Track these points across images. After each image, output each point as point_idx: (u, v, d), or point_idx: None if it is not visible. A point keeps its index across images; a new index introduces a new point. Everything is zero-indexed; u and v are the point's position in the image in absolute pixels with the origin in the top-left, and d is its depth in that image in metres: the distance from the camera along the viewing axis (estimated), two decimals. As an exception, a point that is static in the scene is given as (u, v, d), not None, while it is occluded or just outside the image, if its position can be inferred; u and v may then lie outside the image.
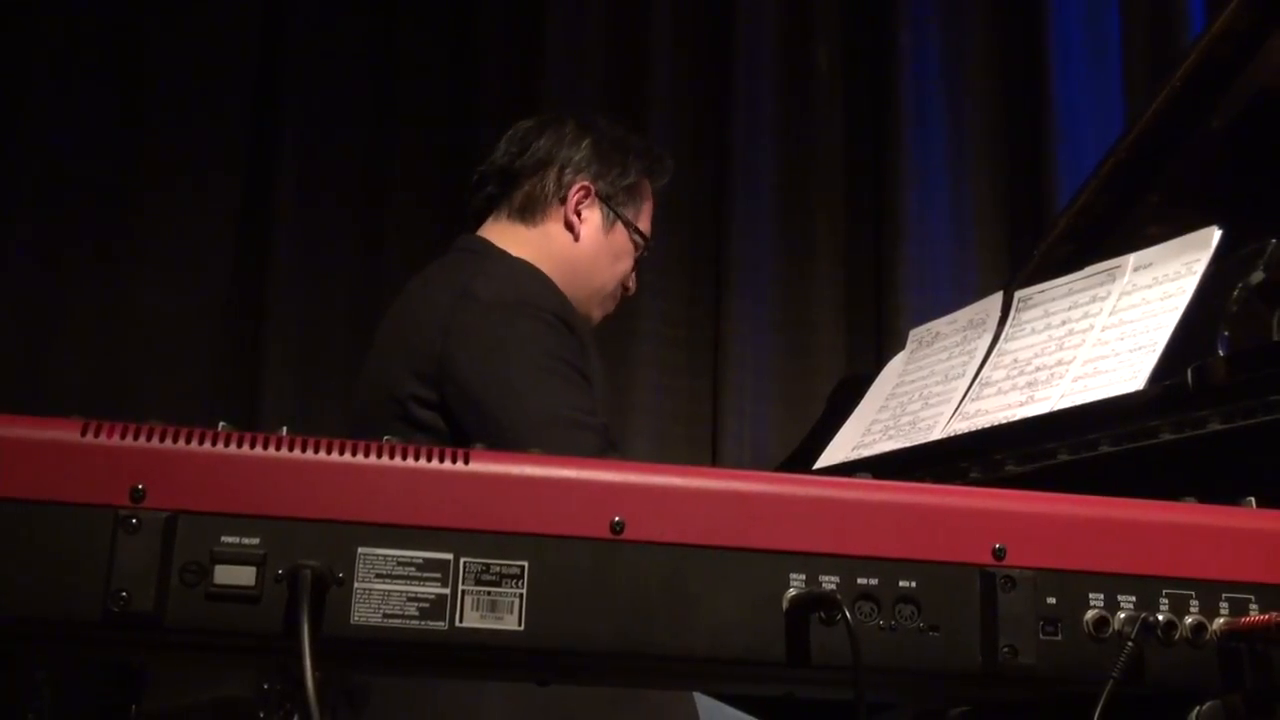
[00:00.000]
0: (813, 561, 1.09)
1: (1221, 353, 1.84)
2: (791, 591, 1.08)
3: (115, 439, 1.02)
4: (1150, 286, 2.03)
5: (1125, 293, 2.07)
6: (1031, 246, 2.77)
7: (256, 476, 1.03)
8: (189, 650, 1.08)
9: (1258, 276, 1.92)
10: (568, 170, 2.39)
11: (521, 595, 1.04)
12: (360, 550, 1.03)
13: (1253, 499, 1.22)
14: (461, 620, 1.03)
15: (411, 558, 1.03)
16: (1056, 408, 1.99)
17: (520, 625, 1.03)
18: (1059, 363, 2.08)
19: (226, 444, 1.04)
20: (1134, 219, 2.53)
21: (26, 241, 4.01)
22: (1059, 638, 1.11)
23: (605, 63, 4.38)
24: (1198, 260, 1.98)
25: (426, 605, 1.02)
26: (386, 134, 4.29)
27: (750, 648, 1.07)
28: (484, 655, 1.04)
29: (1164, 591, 1.14)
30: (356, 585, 1.02)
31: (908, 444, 2.23)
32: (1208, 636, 1.13)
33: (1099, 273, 2.15)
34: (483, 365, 2.10)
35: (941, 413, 2.24)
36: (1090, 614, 1.12)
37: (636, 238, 2.45)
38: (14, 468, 1.00)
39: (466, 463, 1.07)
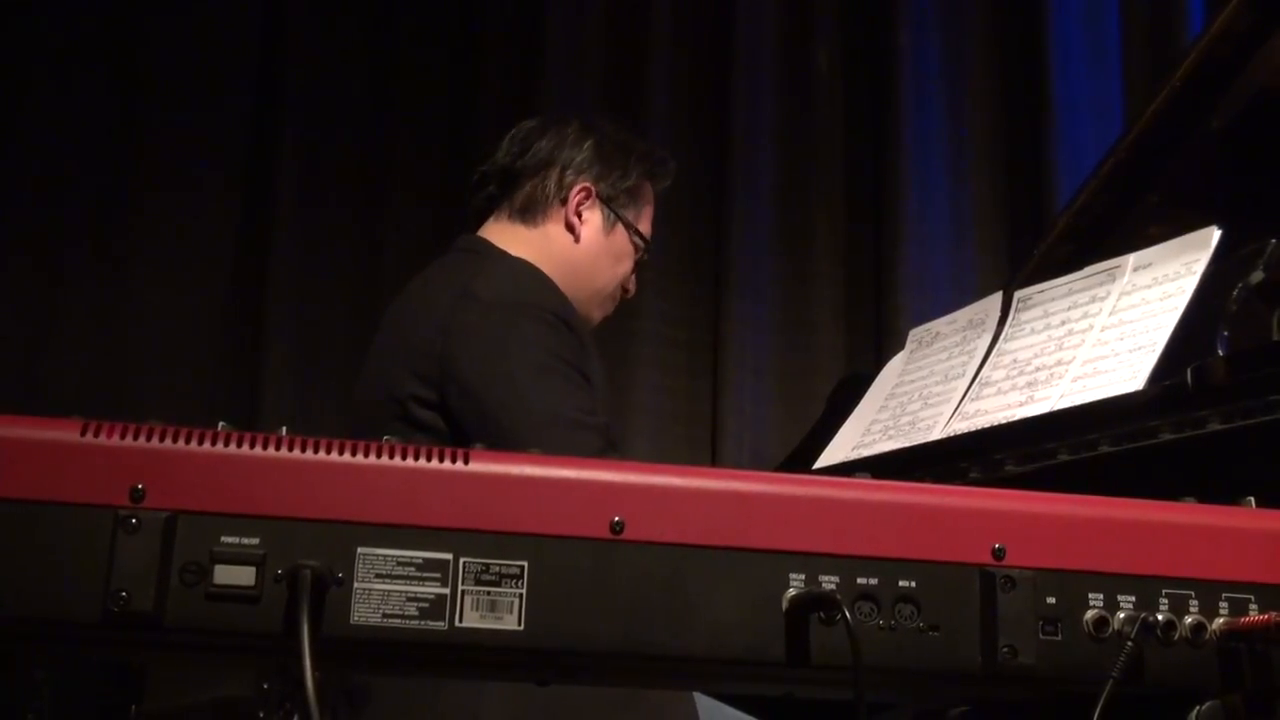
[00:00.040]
0: (812, 561, 1.09)
1: (1221, 353, 1.84)
2: (791, 591, 1.08)
3: (115, 439, 1.02)
4: (1150, 286, 2.03)
5: (1125, 293, 2.07)
6: (1031, 247, 2.77)
7: (256, 476, 1.03)
8: (189, 650, 1.08)
9: (1257, 276, 1.92)
10: (569, 171, 2.39)
11: (521, 595, 1.04)
12: (360, 550, 1.03)
13: (1253, 499, 1.22)
14: (461, 620, 1.03)
15: (411, 558, 1.03)
16: (1056, 408, 1.99)
17: (520, 625, 1.03)
18: (1059, 363, 2.08)
19: (226, 444, 1.04)
20: (1134, 219, 2.53)
21: (26, 242, 4.01)
22: (1059, 638, 1.11)
23: (605, 63, 4.38)
24: (1197, 260, 1.98)
25: (426, 605, 1.02)
26: (386, 134, 4.29)
27: (750, 648, 1.07)
28: (484, 655, 1.05)
29: (1164, 591, 1.14)
30: (356, 585, 1.02)
31: (907, 444, 2.23)
32: (1207, 636, 1.13)
33: (1098, 273, 2.15)
34: (483, 365, 2.10)
35: (941, 413, 2.24)
36: (1090, 614, 1.12)
37: (637, 240, 2.45)
38: (14, 468, 1.00)
39: (466, 463, 1.07)
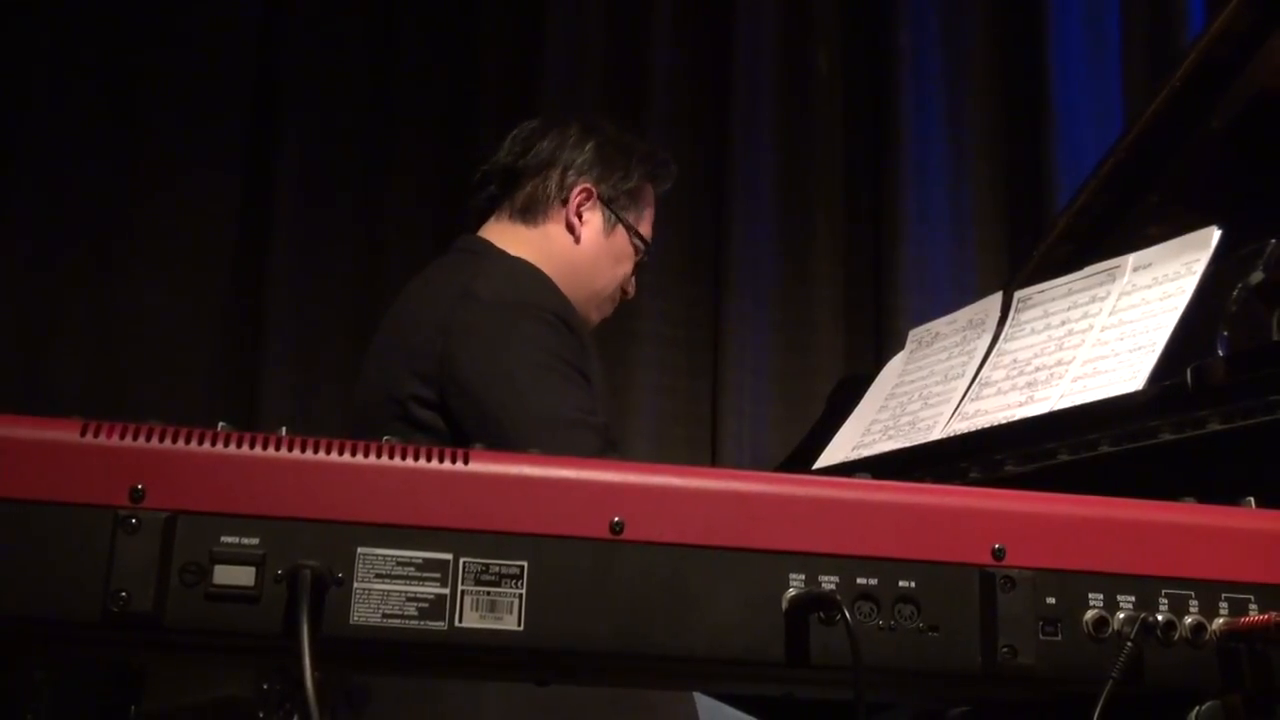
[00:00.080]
0: (812, 561, 1.09)
1: (1221, 353, 1.84)
2: (791, 591, 1.08)
3: (115, 439, 1.02)
4: (1150, 287, 2.03)
5: (1125, 293, 2.07)
6: (1031, 247, 2.77)
7: (256, 476, 1.03)
8: (189, 650, 1.08)
9: (1257, 276, 1.92)
10: (570, 172, 2.39)
11: (521, 595, 1.04)
12: (360, 550, 1.03)
13: (1252, 499, 1.22)
14: (461, 620, 1.03)
15: (411, 558, 1.03)
16: (1056, 408, 1.99)
17: (520, 625, 1.03)
18: (1058, 363, 2.08)
19: (226, 444, 1.04)
20: (1133, 219, 2.53)
21: (26, 242, 4.01)
22: (1058, 638, 1.11)
23: (605, 62, 4.38)
24: (1197, 260, 1.98)
25: (426, 605, 1.02)
26: (386, 134, 4.29)
27: (750, 648, 1.07)
28: (484, 655, 1.04)
29: (1163, 591, 1.14)
30: (356, 585, 1.02)
31: (907, 444, 2.23)
32: (1207, 637, 1.13)
33: (1098, 273, 2.15)
34: (483, 365, 2.10)
35: (941, 413, 2.24)
36: (1090, 614, 1.12)
37: (637, 241, 2.45)
38: (14, 468, 1.00)
39: (466, 463, 1.07)
